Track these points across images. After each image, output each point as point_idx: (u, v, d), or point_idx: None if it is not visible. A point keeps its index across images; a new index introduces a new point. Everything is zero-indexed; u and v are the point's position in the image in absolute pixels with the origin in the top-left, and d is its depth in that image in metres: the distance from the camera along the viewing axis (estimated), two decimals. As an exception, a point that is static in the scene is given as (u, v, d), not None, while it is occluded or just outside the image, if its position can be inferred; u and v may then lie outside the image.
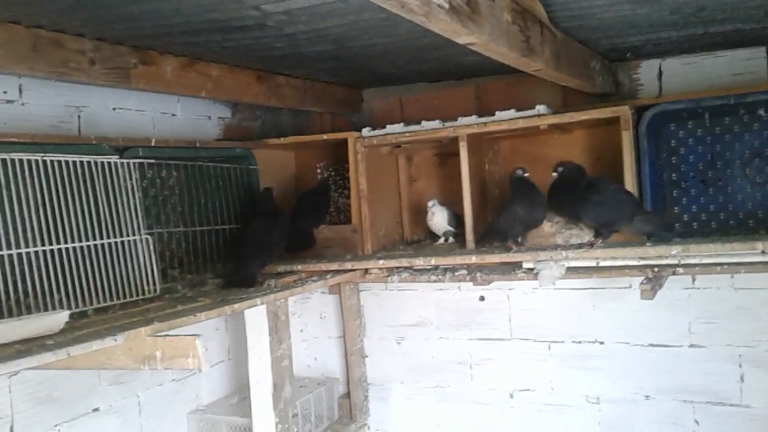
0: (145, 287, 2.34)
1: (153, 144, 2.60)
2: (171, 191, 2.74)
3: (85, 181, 2.21)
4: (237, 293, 2.45)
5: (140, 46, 2.30)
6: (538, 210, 2.63)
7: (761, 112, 2.66)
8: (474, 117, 2.84)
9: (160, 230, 2.63)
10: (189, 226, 2.76)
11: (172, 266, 2.69)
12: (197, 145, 2.82)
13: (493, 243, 2.77)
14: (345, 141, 3.03)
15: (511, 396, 3.32)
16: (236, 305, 2.27)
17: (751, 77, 2.82)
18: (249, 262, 2.66)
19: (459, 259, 2.72)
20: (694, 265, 2.41)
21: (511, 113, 2.77)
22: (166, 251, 2.68)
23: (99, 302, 2.19)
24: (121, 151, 2.42)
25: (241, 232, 2.92)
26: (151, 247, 2.36)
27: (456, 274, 2.74)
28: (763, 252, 2.28)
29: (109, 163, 2.29)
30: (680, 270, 2.42)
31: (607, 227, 2.52)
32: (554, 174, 2.62)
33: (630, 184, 2.59)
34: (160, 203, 2.70)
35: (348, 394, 3.55)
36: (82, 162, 2.21)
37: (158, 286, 2.37)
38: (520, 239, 2.66)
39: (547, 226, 2.67)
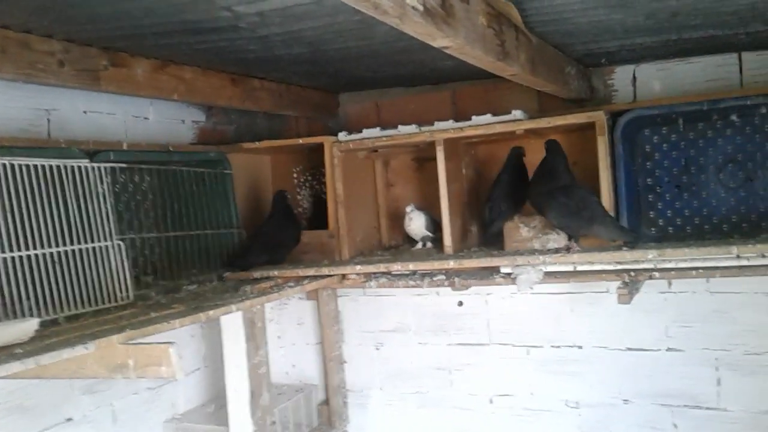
0: (118, 294, 2.30)
1: (125, 148, 2.56)
2: (144, 196, 2.70)
3: (54, 186, 2.16)
4: (212, 300, 2.42)
5: (111, 47, 2.26)
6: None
7: (734, 117, 2.69)
8: (451, 122, 2.84)
9: (132, 236, 2.59)
10: (162, 231, 2.72)
11: (146, 273, 2.65)
12: (170, 149, 2.78)
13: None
14: (321, 145, 3.00)
15: (491, 401, 3.31)
16: (211, 312, 2.23)
17: (724, 83, 2.84)
18: (256, 252, 2.83)
19: (437, 264, 2.71)
20: (670, 270, 2.42)
21: (488, 118, 2.76)
22: (139, 257, 2.63)
23: (70, 309, 2.14)
24: (92, 155, 2.37)
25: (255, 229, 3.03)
26: (124, 253, 2.32)
27: (434, 279, 2.73)
28: (738, 256, 2.30)
29: (79, 167, 2.24)
30: (656, 274, 2.43)
31: (566, 229, 2.54)
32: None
33: (605, 188, 2.60)
34: (132, 208, 2.65)
35: (327, 401, 3.52)
36: (51, 166, 2.16)
37: (131, 293, 2.33)
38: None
39: (524, 231, 2.67)
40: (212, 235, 2.91)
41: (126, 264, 2.32)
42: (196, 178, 2.88)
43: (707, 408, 2.92)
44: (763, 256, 2.29)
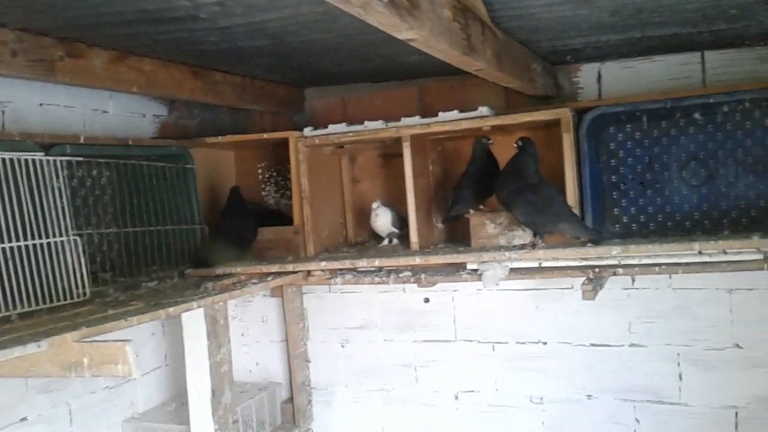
0: (74, 291, 2.24)
1: (81, 141, 2.49)
2: (102, 191, 2.64)
3: (7, 179, 2.10)
4: (172, 297, 2.37)
5: (67, 37, 2.19)
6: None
7: (697, 115, 2.71)
8: (417, 118, 2.82)
9: (90, 231, 2.52)
10: (122, 227, 2.66)
11: (104, 269, 2.59)
12: (130, 142, 2.71)
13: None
14: (286, 140, 2.97)
15: (456, 397, 3.31)
16: (171, 309, 2.19)
17: (687, 82, 2.87)
18: (220, 251, 2.78)
19: (403, 261, 2.69)
20: (634, 266, 2.44)
21: (454, 114, 2.75)
22: (97, 253, 2.57)
23: (24, 307, 2.08)
24: (47, 149, 2.30)
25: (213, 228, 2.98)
26: (80, 248, 2.26)
27: (400, 275, 2.71)
28: (700, 252, 2.33)
29: (33, 160, 2.17)
30: (620, 270, 2.45)
31: (532, 227, 2.54)
32: (515, 146, 2.62)
33: (571, 185, 2.61)
34: (90, 203, 2.59)
35: (291, 399, 3.48)
36: (3, 159, 2.09)
37: (88, 290, 2.28)
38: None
39: (490, 228, 2.67)
40: (173, 231, 2.86)
41: (82, 260, 2.25)
42: (157, 172, 2.81)
43: (669, 403, 2.95)
44: (725, 253, 2.33)
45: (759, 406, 2.83)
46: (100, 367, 1.87)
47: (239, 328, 3.60)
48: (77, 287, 2.25)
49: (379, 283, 2.74)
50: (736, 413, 2.86)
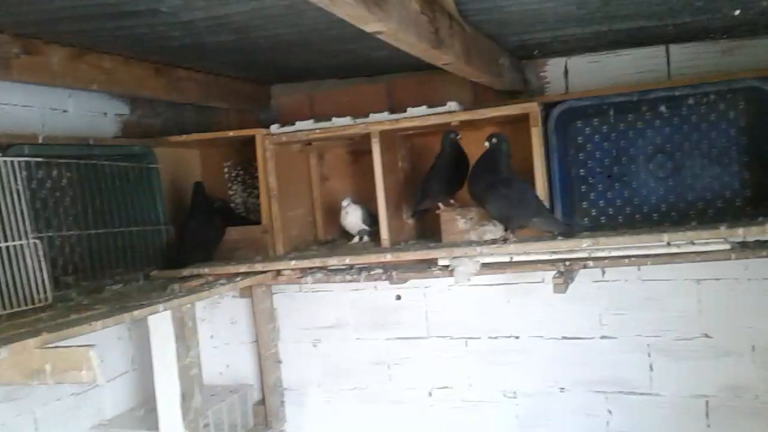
0: (35, 296, 2.17)
1: (40, 141, 2.41)
2: (63, 192, 2.55)
3: (-37, 182, 2.02)
4: (138, 300, 2.31)
5: (23, 34, 2.11)
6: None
7: (662, 108, 2.74)
8: (386, 113, 2.80)
9: (51, 234, 2.44)
10: (84, 229, 2.57)
11: (66, 273, 2.51)
12: (91, 142, 2.64)
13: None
14: (252, 138, 2.91)
15: (430, 394, 3.30)
16: (136, 312, 2.13)
17: (653, 75, 2.90)
18: (189, 252, 2.77)
19: (374, 258, 2.67)
20: (604, 258, 2.46)
21: (423, 110, 2.74)
22: (58, 257, 2.48)
23: (-17, 313, 2.00)
24: (4, 149, 2.22)
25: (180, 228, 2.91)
26: (41, 252, 2.18)
27: (371, 273, 2.69)
28: (668, 243, 2.35)
29: (-11, 161, 2.10)
30: (590, 263, 2.47)
31: (506, 222, 2.54)
32: (486, 144, 2.60)
33: (540, 179, 2.61)
34: (51, 205, 2.50)
35: (263, 401, 3.43)
36: (-42, 161, 2.02)
37: (50, 295, 2.21)
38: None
39: (461, 223, 2.65)
40: (137, 232, 2.78)
41: (43, 264, 2.18)
42: (120, 173, 2.73)
43: (641, 393, 2.98)
44: (693, 243, 2.35)
45: (728, 395, 2.87)
46: (64, 373, 1.81)
47: (208, 330, 3.53)
48: (38, 292, 2.17)
49: (350, 281, 2.72)
50: (707, 402, 2.90)
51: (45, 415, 2.70)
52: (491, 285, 3.13)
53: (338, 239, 3.22)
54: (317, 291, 3.40)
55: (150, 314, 2.21)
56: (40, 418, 2.67)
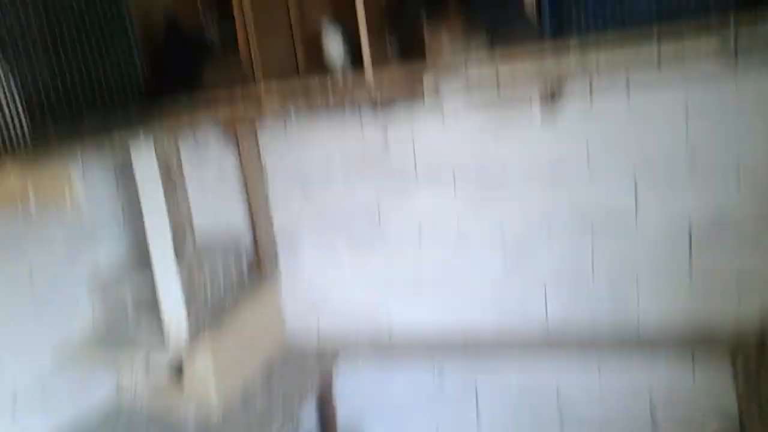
0: (12, 132, 2.11)
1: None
2: (26, 26, 2.41)
3: None
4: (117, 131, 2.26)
5: None
6: None
7: None
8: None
9: (19, 65, 2.33)
10: (56, 65, 2.46)
11: (42, 111, 2.42)
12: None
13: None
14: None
15: (420, 235, 3.32)
16: (116, 138, 2.09)
17: None
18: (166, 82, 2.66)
19: (358, 83, 2.59)
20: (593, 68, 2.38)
21: None
22: (32, 93, 2.39)
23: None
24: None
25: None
26: (12, 83, 2.09)
27: (360, 113, 2.59)
28: (658, 41, 2.27)
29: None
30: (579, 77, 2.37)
31: (488, 25, 2.47)
32: None
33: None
34: (18, 44, 2.37)
35: (256, 249, 3.46)
36: None
37: (26, 129, 2.14)
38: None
39: (446, 42, 2.56)
40: (111, 66, 2.66)
41: (15, 93, 2.09)
42: (87, 2, 2.58)
43: (626, 221, 3.00)
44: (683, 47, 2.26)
45: (712, 218, 2.89)
46: (46, 196, 1.80)
47: (195, 182, 3.48)
48: (14, 127, 2.11)
49: (337, 122, 2.63)
50: (690, 225, 2.93)
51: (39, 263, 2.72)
52: (479, 123, 3.08)
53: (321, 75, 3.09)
54: (303, 138, 3.34)
55: (131, 139, 2.17)
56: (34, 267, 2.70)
